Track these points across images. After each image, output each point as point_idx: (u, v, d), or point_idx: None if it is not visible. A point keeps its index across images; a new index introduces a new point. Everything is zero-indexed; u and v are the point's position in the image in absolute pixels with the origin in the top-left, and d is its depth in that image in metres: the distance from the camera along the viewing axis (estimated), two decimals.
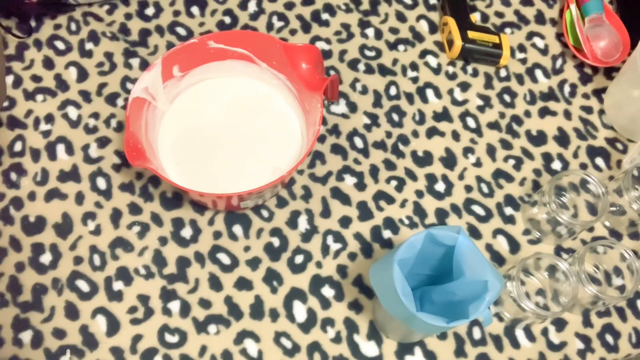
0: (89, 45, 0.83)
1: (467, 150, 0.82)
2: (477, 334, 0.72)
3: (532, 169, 0.82)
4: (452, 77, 0.86)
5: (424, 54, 0.87)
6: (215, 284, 0.72)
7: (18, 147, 0.77)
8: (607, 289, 0.75)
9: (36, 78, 0.81)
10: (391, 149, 0.81)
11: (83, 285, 0.71)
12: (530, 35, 0.90)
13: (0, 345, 0.68)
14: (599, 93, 0.87)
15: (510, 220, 0.79)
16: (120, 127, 0.79)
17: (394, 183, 0.79)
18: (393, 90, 0.84)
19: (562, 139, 0.84)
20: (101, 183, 0.76)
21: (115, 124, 0.79)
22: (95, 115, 0.79)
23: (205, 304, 0.71)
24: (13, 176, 0.76)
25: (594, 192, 0.74)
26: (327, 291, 0.73)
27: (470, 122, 0.84)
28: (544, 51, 0.89)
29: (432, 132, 0.82)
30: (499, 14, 0.91)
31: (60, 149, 0.77)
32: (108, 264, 0.72)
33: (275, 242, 0.75)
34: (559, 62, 0.89)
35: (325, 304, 0.72)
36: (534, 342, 0.73)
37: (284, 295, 0.72)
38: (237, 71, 0.78)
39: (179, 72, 0.75)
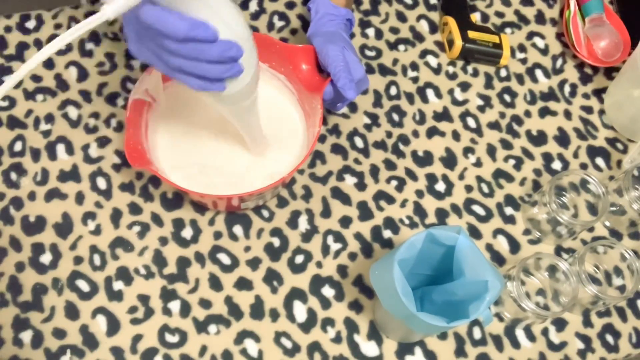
0: (89, 45, 0.83)
1: (468, 150, 0.82)
2: (477, 333, 0.72)
3: (532, 169, 0.82)
4: (452, 77, 0.86)
5: (424, 53, 0.87)
6: (215, 284, 0.72)
7: (18, 147, 0.77)
8: (607, 289, 0.75)
9: (36, 78, 0.81)
10: (391, 149, 0.81)
11: (83, 285, 0.71)
12: (531, 35, 0.90)
13: (0, 345, 0.68)
14: (599, 93, 0.87)
15: (510, 220, 0.79)
16: (121, 126, 0.79)
17: (394, 183, 0.79)
18: (393, 90, 0.84)
19: (562, 139, 0.84)
20: (101, 183, 0.76)
21: (116, 123, 0.79)
22: (96, 115, 0.79)
23: (205, 304, 0.71)
24: (13, 176, 0.76)
25: (594, 192, 0.74)
26: (327, 291, 0.73)
27: (471, 122, 0.84)
28: (544, 51, 0.89)
29: (432, 132, 0.82)
30: (499, 14, 0.91)
31: (60, 148, 0.77)
32: (108, 264, 0.72)
33: (276, 242, 0.75)
34: (559, 62, 0.89)
35: (326, 304, 0.72)
36: (534, 342, 0.73)
37: (284, 295, 0.72)
38: None
39: None
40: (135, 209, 0.75)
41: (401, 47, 0.87)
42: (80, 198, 0.75)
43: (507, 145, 0.83)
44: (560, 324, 0.74)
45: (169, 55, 0.52)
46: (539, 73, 0.88)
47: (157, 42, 0.52)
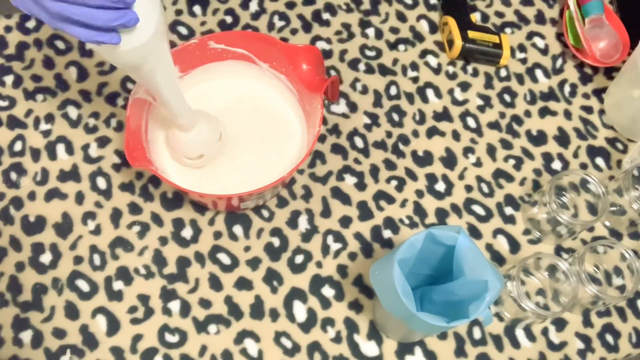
0: (89, 45, 0.83)
1: (468, 150, 0.82)
2: (477, 333, 0.72)
3: (532, 168, 0.82)
4: (452, 76, 0.86)
5: (424, 53, 0.87)
6: (215, 283, 0.72)
7: (18, 146, 0.77)
8: (607, 289, 0.75)
9: (36, 78, 0.81)
10: (391, 149, 0.81)
11: (83, 285, 0.71)
12: (531, 35, 0.90)
13: (0, 345, 0.68)
14: (599, 93, 0.87)
15: (510, 220, 0.79)
16: (121, 126, 0.79)
17: (394, 183, 0.79)
18: (393, 90, 0.84)
19: (562, 138, 0.84)
20: (101, 183, 0.76)
21: (115, 123, 0.79)
22: (95, 115, 0.80)
23: (205, 303, 0.71)
24: (13, 176, 0.76)
25: (594, 192, 0.74)
26: (327, 291, 0.73)
27: (471, 122, 0.84)
28: (544, 51, 0.89)
29: (432, 132, 0.82)
30: (499, 14, 0.91)
31: (60, 148, 0.77)
32: (108, 264, 0.72)
33: (276, 242, 0.75)
34: (559, 62, 0.89)
35: (326, 303, 0.72)
36: (534, 342, 0.73)
37: (284, 295, 0.72)
38: (238, 72, 0.78)
39: (179, 73, 0.75)
40: (135, 208, 0.75)
41: (401, 47, 0.87)
42: (80, 198, 0.75)
43: (507, 145, 0.83)
44: (560, 324, 0.74)
45: (46, 0, 0.47)
46: (538, 73, 0.88)
47: None
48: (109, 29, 0.49)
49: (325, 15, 0.88)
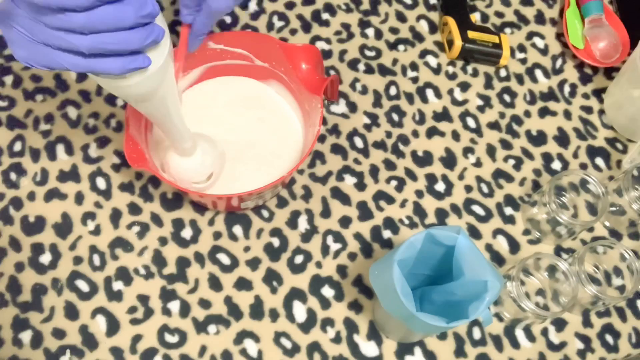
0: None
1: (467, 150, 0.82)
2: (477, 334, 0.72)
3: (532, 169, 0.82)
4: (452, 77, 0.86)
5: (424, 54, 0.87)
6: (215, 284, 0.72)
7: (18, 147, 0.77)
8: (607, 289, 0.75)
9: (36, 78, 0.81)
10: (391, 149, 0.81)
11: (83, 285, 0.71)
12: (530, 35, 0.90)
13: (0, 345, 0.68)
14: (599, 93, 0.87)
15: (510, 220, 0.78)
16: (120, 126, 0.79)
17: (394, 183, 0.79)
18: (393, 90, 0.84)
19: (562, 139, 0.84)
20: (101, 183, 0.76)
21: (115, 123, 0.79)
22: (95, 115, 0.79)
23: (205, 304, 0.71)
24: (13, 176, 0.76)
25: (594, 192, 0.74)
26: (327, 291, 0.73)
27: (470, 122, 0.84)
28: (544, 51, 0.89)
29: (432, 132, 0.82)
30: (499, 14, 0.91)
31: (60, 148, 0.77)
32: (108, 264, 0.72)
33: (275, 242, 0.75)
34: (559, 62, 0.89)
35: (325, 304, 0.72)
36: (533, 342, 0.73)
37: (284, 296, 0.72)
38: (237, 72, 0.78)
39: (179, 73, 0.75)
40: (134, 209, 0.75)
41: (401, 47, 0.87)
42: (79, 198, 0.75)
43: (506, 145, 0.83)
44: (560, 324, 0.74)
45: (77, 37, 0.42)
46: (538, 73, 0.88)
47: (58, 25, 0.42)
48: (139, 51, 0.46)
49: (325, 16, 0.88)
